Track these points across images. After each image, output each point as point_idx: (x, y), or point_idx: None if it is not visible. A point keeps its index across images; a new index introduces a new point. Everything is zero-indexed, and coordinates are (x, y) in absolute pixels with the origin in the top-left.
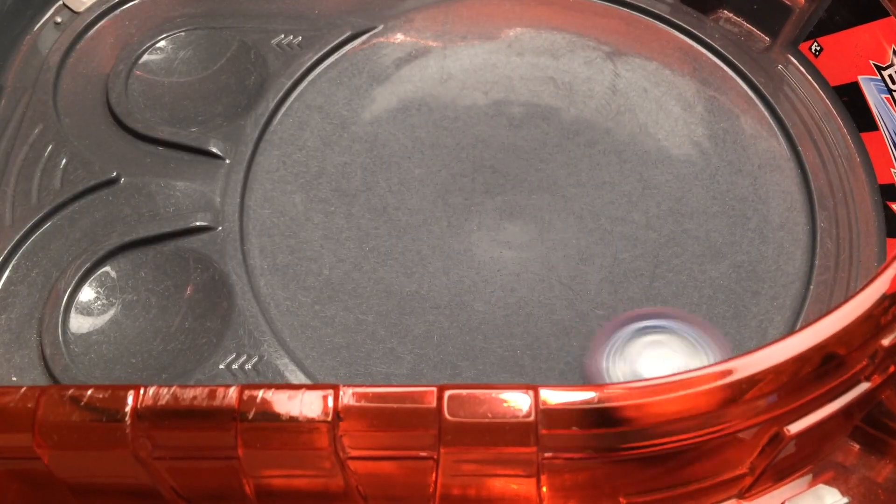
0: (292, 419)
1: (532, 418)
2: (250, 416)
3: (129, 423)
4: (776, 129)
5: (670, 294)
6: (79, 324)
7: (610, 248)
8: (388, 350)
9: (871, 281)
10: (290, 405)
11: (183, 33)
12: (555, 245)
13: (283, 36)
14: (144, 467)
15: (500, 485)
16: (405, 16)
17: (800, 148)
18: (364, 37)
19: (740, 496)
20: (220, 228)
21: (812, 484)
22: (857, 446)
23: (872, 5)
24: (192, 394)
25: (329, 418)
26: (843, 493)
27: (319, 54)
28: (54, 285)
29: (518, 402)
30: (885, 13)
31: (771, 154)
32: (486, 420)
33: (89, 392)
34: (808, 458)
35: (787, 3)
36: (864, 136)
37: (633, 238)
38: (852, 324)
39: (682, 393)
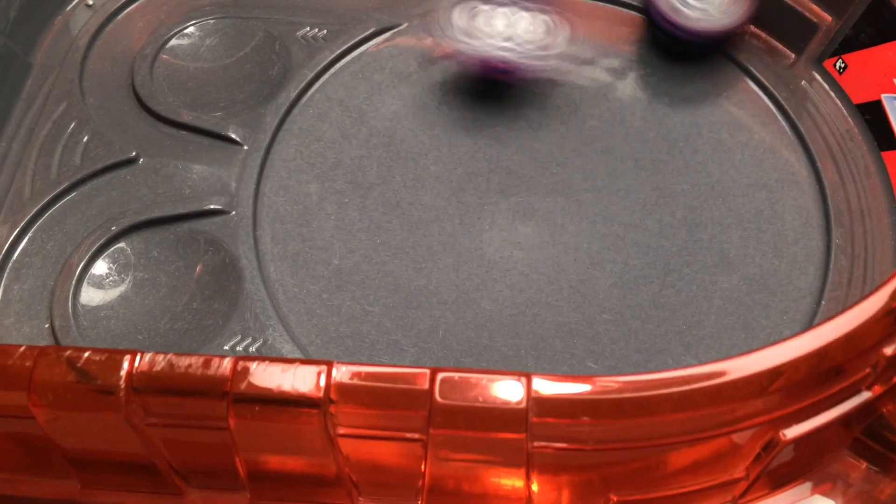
0: (284, 392)
1: (523, 405)
2: (243, 387)
3: (123, 386)
4: (796, 144)
5: (679, 303)
6: (89, 298)
7: (621, 254)
8: (393, 342)
9: (877, 290)
10: (283, 378)
11: (210, 21)
12: (566, 248)
13: (308, 28)
14: (138, 434)
15: (491, 480)
16: (430, 15)
17: (819, 164)
18: (388, 33)
19: (734, 501)
20: (233, 213)
21: (808, 494)
22: (860, 462)
23: None
24: (188, 362)
25: (321, 394)
26: None
27: (343, 48)
28: (68, 259)
29: (510, 388)
30: None
31: (789, 169)
32: (477, 404)
33: (86, 354)
34: (807, 468)
35: (814, 19)
36: (885, 154)
37: (645, 245)
38: (854, 331)
39: (676, 389)
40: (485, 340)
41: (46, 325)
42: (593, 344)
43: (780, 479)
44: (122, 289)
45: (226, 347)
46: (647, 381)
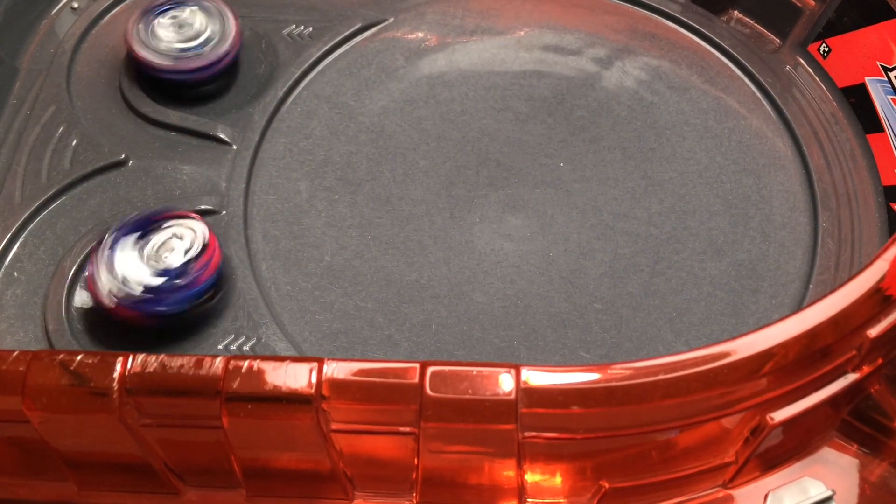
0: (276, 390)
1: (512, 396)
2: (235, 386)
3: (116, 388)
4: (782, 129)
5: (669, 290)
6: (82, 301)
7: (611, 244)
8: (386, 337)
9: (862, 271)
10: (275, 376)
11: None
12: (556, 239)
13: (294, 26)
14: (132, 435)
15: (483, 470)
16: (416, 9)
17: (805, 148)
18: (374, 29)
19: (725, 485)
20: (224, 212)
21: (798, 475)
22: (849, 443)
23: (880, 6)
24: (180, 362)
25: (313, 390)
26: (829, 487)
27: (329, 45)
28: (60, 263)
29: (499, 380)
30: (892, 14)
31: (776, 154)
32: (467, 397)
33: (79, 357)
34: (796, 450)
35: (798, 3)
36: (870, 137)
37: (634, 234)
38: (841, 312)
39: (665, 376)
40: (477, 333)
41: (41, 329)
42: (585, 333)
43: (769, 462)
44: None
45: (220, 347)
46: (636, 369)
